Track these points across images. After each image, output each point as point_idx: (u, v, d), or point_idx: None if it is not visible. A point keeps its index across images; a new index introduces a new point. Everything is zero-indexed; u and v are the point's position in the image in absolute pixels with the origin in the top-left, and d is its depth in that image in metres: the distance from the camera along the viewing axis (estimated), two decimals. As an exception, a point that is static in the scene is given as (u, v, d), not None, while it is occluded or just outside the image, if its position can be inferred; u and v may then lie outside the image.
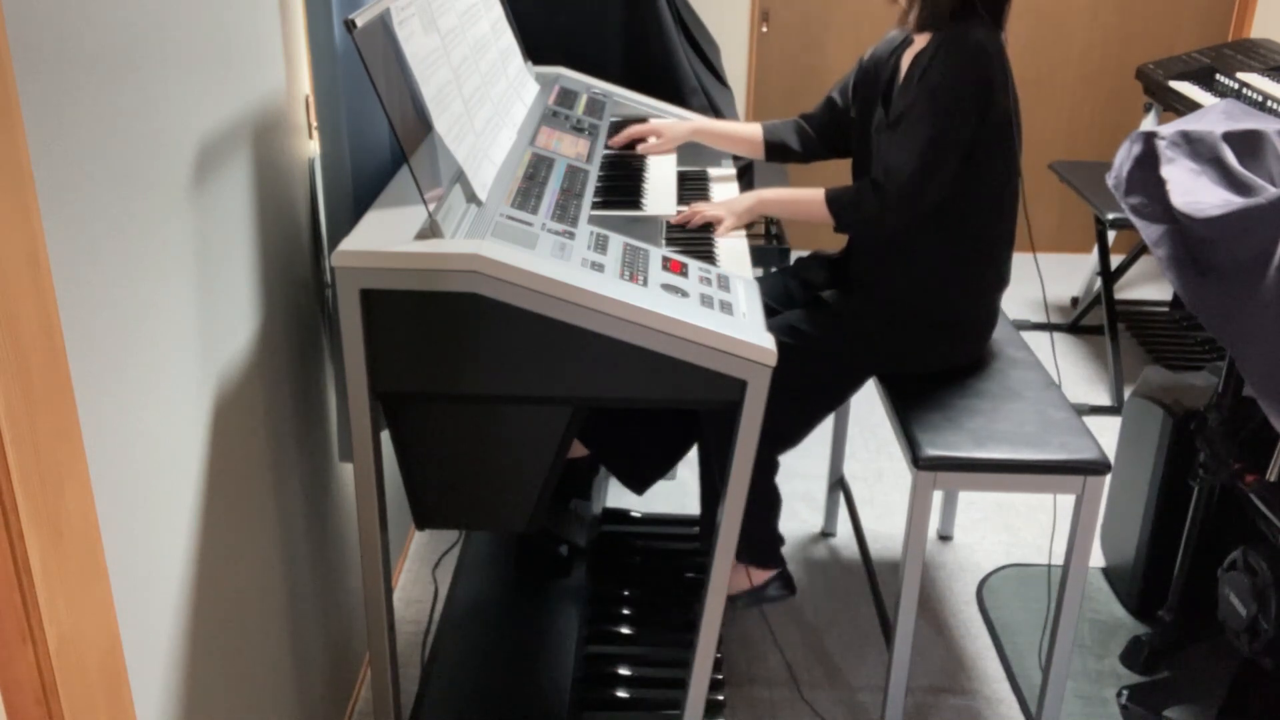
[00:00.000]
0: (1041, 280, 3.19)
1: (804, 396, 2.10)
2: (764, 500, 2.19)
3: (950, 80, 1.88)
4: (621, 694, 2.14)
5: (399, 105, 1.59)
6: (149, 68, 1.25)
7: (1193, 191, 1.89)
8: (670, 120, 2.34)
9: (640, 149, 2.24)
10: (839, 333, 2.09)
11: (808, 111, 2.29)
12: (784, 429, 2.10)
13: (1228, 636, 2.08)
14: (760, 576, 2.24)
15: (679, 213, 1.94)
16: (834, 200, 1.98)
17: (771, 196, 2.02)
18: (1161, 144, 1.98)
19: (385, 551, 1.67)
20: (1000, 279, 2.12)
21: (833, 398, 2.14)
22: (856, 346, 2.10)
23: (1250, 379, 1.79)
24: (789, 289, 2.34)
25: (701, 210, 1.93)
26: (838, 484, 2.78)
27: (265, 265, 1.63)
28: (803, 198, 2.02)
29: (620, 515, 2.71)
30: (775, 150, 2.28)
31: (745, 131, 2.28)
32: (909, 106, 1.92)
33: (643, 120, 2.41)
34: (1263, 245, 1.75)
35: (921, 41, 2.01)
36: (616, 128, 2.33)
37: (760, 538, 2.20)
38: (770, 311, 2.22)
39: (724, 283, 1.66)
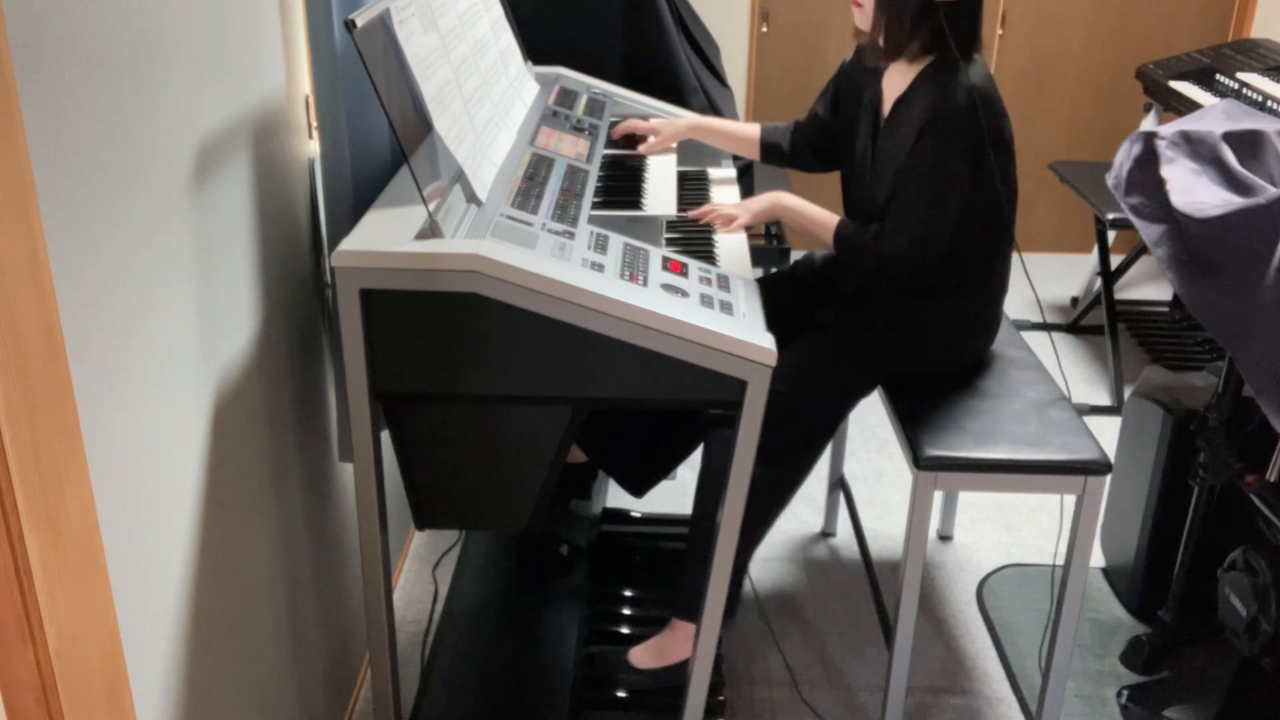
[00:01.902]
0: (1031, 282, 3.20)
1: (808, 415, 2.06)
2: (749, 544, 2.08)
3: (943, 157, 1.89)
4: (621, 694, 2.14)
5: (399, 105, 1.59)
6: (149, 68, 1.25)
7: (1193, 191, 1.89)
8: (668, 118, 2.34)
9: (641, 148, 2.24)
10: (840, 348, 2.08)
11: (801, 120, 2.29)
12: (795, 454, 2.05)
13: (1228, 636, 2.08)
14: (672, 652, 2.10)
15: (689, 210, 1.94)
16: (841, 241, 1.99)
17: (789, 203, 2.01)
18: (1161, 144, 1.98)
19: (385, 551, 1.67)
20: (1001, 287, 2.12)
21: (836, 412, 2.11)
22: (858, 360, 2.09)
23: (1250, 379, 1.79)
24: (784, 291, 2.34)
25: (718, 209, 1.94)
26: (838, 484, 2.78)
27: (265, 265, 1.63)
28: (817, 220, 2.01)
29: (620, 515, 2.71)
30: (770, 152, 2.29)
31: (743, 131, 2.28)
32: (904, 178, 1.92)
33: (643, 120, 2.41)
34: (1263, 245, 1.75)
35: (900, 75, 1.99)
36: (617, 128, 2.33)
37: (731, 586, 2.10)
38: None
39: (724, 283, 1.66)
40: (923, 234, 1.92)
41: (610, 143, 2.27)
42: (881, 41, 1.95)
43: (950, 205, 1.92)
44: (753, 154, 2.30)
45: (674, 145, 2.28)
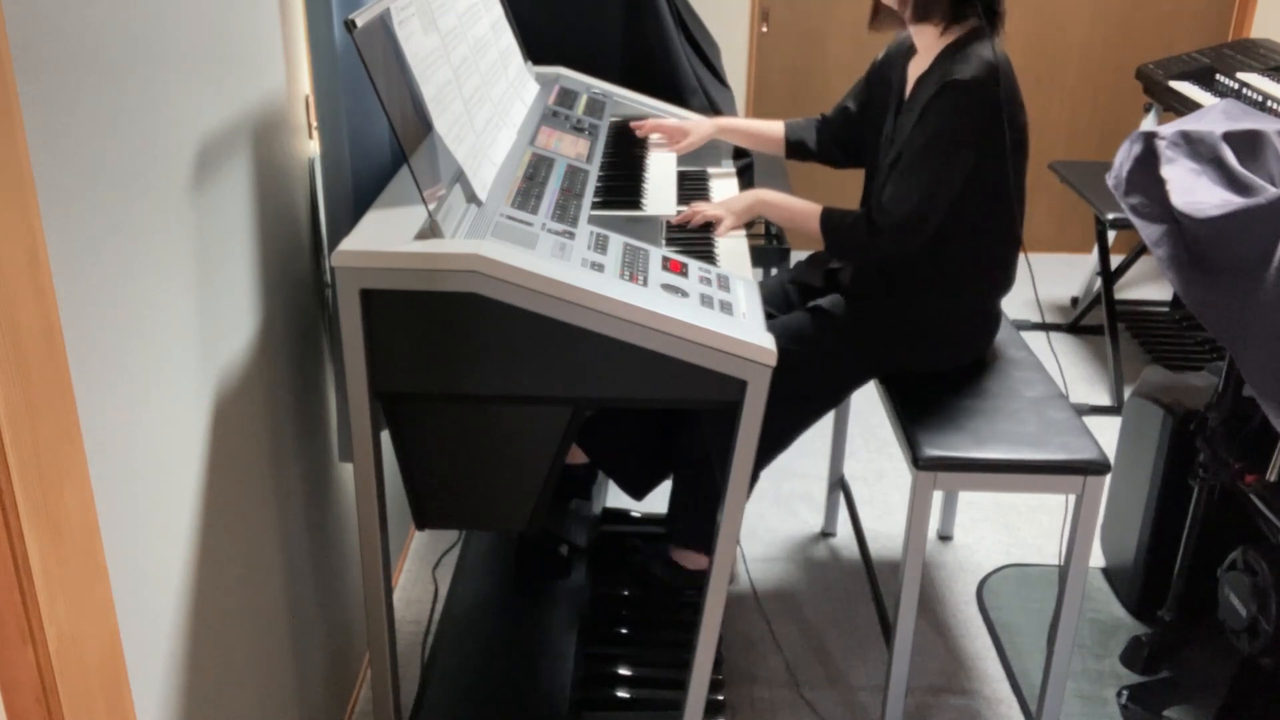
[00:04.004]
0: (1033, 280, 3.20)
1: (802, 400, 2.10)
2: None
3: (950, 124, 1.89)
4: (621, 694, 2.14)
5: (399, 105, 1.59)
6: (149, 68, 1.25)
7: (1193, 191, 1.89)
8: (697, 118, 2.35)
9: (674, 148, 2.25)
10: (840, 336, 2.09)
11: (828, 114, 2.29)
12: (779, 431, 2.10)
13: (1228, 636, 2.08)
14: (700, 561, 2.26)
15: (679, 213, 1.95)
16: (827, 222, 1.99)
17: (770, 199, 2.02)
18: (1161, 144, 1.98)
19: (385, 551, 1.67)
20: (1004, 282, 2.12)
21: (830, 400, 2.14)
22: (857, 350, 2.10)
23: (1250, 379, 1.79)
24: (786, 293, 2.34)
25: (701, 209, 1.94)
26: (838, 484, 2.78)
27: (265, 265, 1.63)
28: (800, 209, 2.02)
29: (620, 515, 2.71)
30: (795, 148, 2.30)
31: (768, 129, 2.30)
32: (909, 144, 1.93)
33: (642, 120, 2.41)
34: (1263, 245, 1.75)
35: (925, 53, 2.01)
36: (616, 128, 2.33)
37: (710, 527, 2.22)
38: (767, 316, 2.24)
39: (724, 283, 1.66)
40: (921, 202, 1.92)
41: (618, 133, 2.27)
42: (909, 7, 1.96)
43: (952, 175, 1.91)
44: (778, 151, 2.31)
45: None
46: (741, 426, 1.56)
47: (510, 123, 2.00)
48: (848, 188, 4.32)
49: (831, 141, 2.28)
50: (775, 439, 2.10)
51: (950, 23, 1.96)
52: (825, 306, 2.14)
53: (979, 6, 1.94)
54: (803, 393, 2.08)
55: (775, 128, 2.30)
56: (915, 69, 2.04)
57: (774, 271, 3.12)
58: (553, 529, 2.38)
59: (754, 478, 2.19)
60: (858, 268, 2.16)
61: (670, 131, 2.27)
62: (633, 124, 2.29)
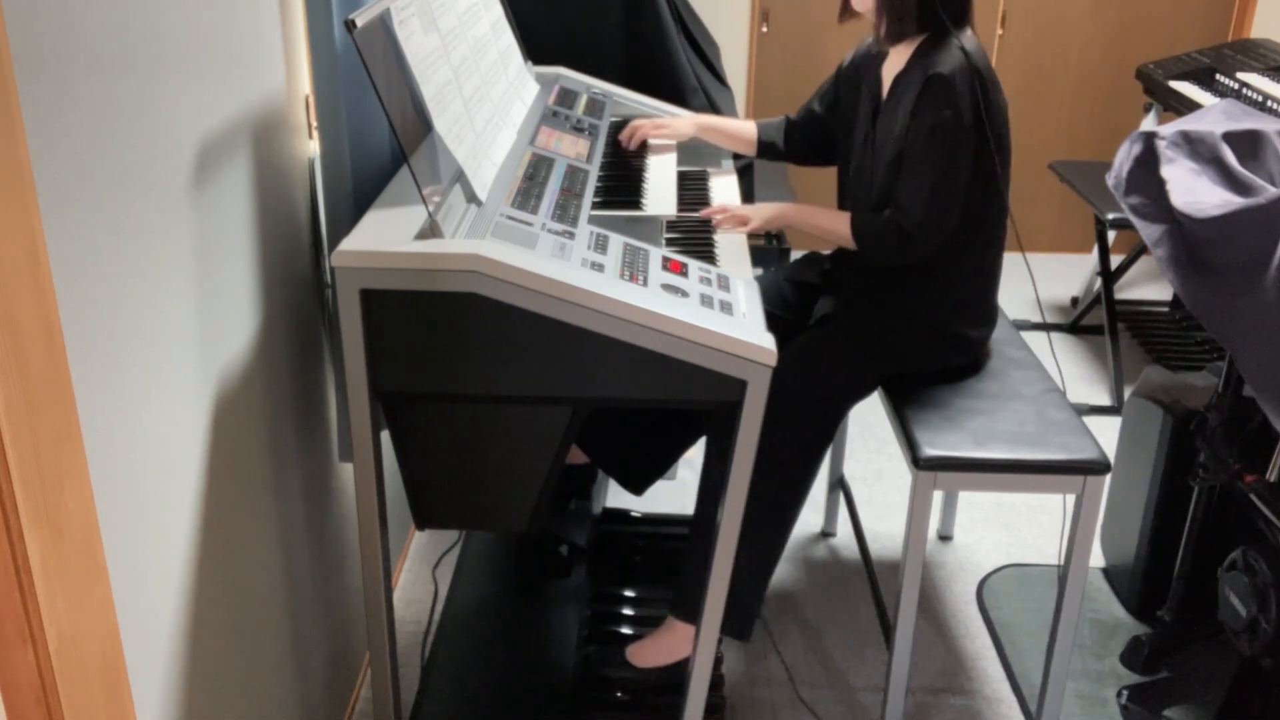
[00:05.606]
0: (1033, 280, 3.19)
1: (811, 409, 2.07)
2: (763, 558, 2.06)
3: (944, 119, 1.90)
4: (621, 694, 2.14)
5: (399, 105, 1.59)
6: (149, 68, 1.25)
7: (1193, 191, 1.89)
8: (675, 116, 2.35)
9: (653, 138, 2.26)
10: (842, 349, 2.08)
11: (793, 116, 2.31)
12: (798, 459, 2.04)
13: (1228, 636, 2.08)
14: (669, 649, 2.11)
15: (703, 210, 1.96)
16: (860, 234, 2.01)
17: (799, 211, 2.05)
18: (1161, 144, 1.98)
19: (385, 551, 1.67)
20: (994, 274, 2.13)
21: (836, 407, 2.12)
22: (859, 358, 2.09)
23: (1250, 379, 1.79)
24: (782, 291, 2.34)
25: (730, 209, 1.96)
26: (838, 484, 2.78)
27: (265, 265, 1.63)
28: (830, 222, 2.04)
29: (620, 515, 2.71)
30: (766, 148, 2.33)
31: (741, 130, 2.32)
32: (909, 146, 1.94)
33: (648, 120, 2.41)
34: (1263, 245, 1.75)
35: (898, 56, 2.02)
36: (617, 128, 2.33)
37: (745, 604, 2.07)
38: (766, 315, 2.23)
39: (724, 283, 1.66)
40: (938, 197, 1.93)
41: (617, 134, 2.27)
42: (883, 26, 1.99)
43: (959, 165, 1.93)
44: (750, 151, 2.33)
45: (674, 143, 2.29)
46: (741, 427, 1.56)
47: (510, 123, 2.00)
48: (848, 188, 4.33)
49: (800, 141, 2.30)
50: (794, 472, 2.03)
51: (919, 34, 1.99)
52: (824, 311, 2.14)
53: (945, 14, 1.95)
54: (806, 408, 2.04)
55: (748, 128, 2.31)
56: (889, 69, 2.06)
57: (771, 269, 3.12)
58: (553, 529, 2.38)
59: (790, 521, 2.08)
60: (850, 270, 2.17)
61: (651, 127, 2.26)
62: (620, 137, 2.28)
